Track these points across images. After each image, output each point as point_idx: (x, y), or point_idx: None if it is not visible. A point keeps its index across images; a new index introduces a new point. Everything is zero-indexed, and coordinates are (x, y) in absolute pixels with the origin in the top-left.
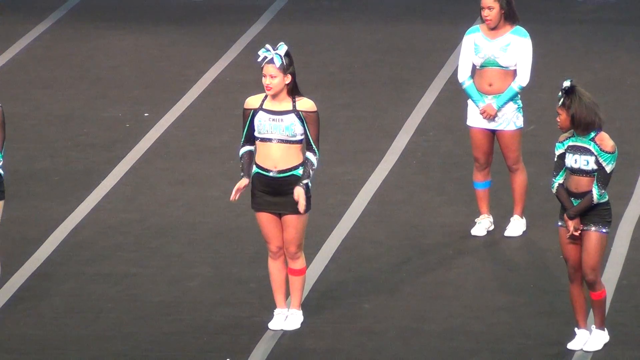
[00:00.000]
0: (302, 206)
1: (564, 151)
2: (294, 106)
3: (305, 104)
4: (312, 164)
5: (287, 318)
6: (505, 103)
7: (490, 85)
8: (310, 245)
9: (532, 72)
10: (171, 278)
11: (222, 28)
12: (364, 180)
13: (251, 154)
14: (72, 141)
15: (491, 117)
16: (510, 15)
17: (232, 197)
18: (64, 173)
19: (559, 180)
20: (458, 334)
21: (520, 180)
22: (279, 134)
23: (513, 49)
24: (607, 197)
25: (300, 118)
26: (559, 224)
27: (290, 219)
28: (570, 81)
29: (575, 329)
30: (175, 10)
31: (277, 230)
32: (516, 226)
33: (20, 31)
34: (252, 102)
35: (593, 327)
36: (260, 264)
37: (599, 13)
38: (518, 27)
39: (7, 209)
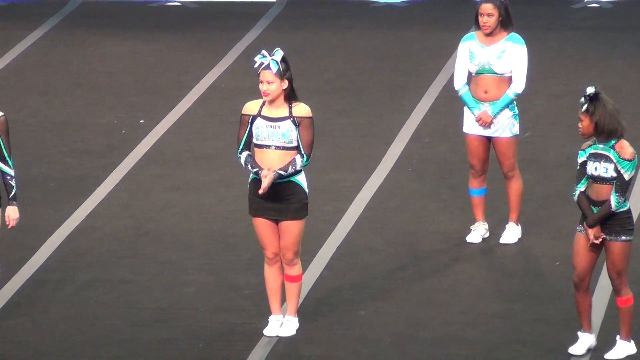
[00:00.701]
0: (262, 189)
1: (586, 159)
2: (290, 112)
3: (301, 110)
4: (295, 164)
5: (282, 324)
6: (501, 110)
7: (485, 92)
8: (305, 251)
9: (527, 79)
10: (167, 284)
11: (218, 34)
12: (360, 186)
13: (252, 156)
14: (68, 147)
15: (487, 125)
16: (506, 22)
17: (261, 190)
18: (60, 179)
19: (580, 188)
20: (453, 341)
21: (515, 187)
22: (276, 141)
23: (508, 56)
24: (627, 205)
25: (296, 125)
26: (578, 229)
27: (287, 225)
28: (595, 87)
29: (579, 332)
30: (171, 16)
31: (274, 236)
32: (511, 233)
33: (16, 37)
34: (251, 107)
35: (618, 337)
36: (255, 270)
37: (595, 20)
38: (513, 34)
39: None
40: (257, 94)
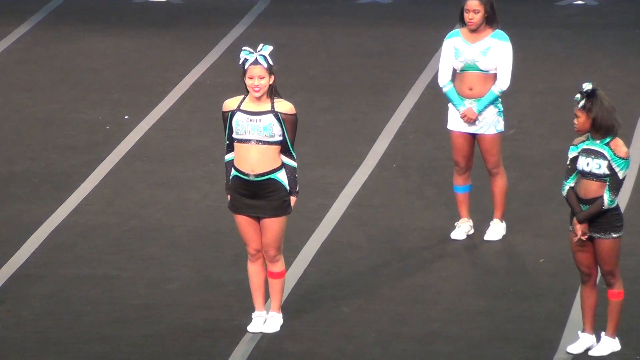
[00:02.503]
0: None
1: (577, 154)
2: (273, 107)
3: (285, 106)
4: (294, 170)
5: (266, 321)
6: (486, 107)
7: (470, 89)
8: (289, 248)
9: (512, 76)
10: (150, 281)
11: (202, 31)
12: (344, 183)
13: (231, 180)
14: (52, 143)
15: (472, 121)
16: (491, 19)
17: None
18: (43, 175)
19: (570, 183)
20: (437, 338)
21: (500, 184)
22: (257, 135)
23: (493, 53)
24: (616, 202)
25: (278, 119)
26: (570, 229)
27: (269, 222)
28: (592, 84)
29: (579, 332)
30: (156, 13)
31: (256, 232)
32: (496, 230)
33: (0, 33)
34: (230, 104)
35: (603, 333)
36: (239, 267)
37: (580, 17)
38: (498, 31)
39: None
40: (242, 91)
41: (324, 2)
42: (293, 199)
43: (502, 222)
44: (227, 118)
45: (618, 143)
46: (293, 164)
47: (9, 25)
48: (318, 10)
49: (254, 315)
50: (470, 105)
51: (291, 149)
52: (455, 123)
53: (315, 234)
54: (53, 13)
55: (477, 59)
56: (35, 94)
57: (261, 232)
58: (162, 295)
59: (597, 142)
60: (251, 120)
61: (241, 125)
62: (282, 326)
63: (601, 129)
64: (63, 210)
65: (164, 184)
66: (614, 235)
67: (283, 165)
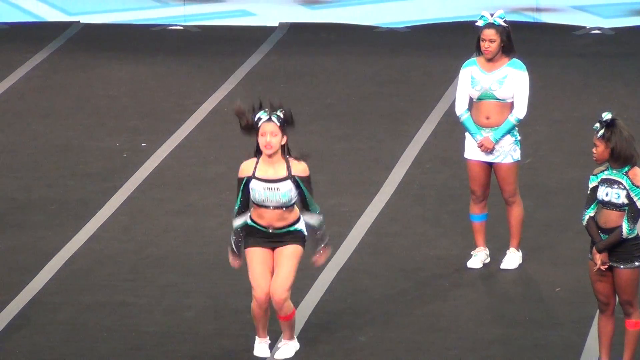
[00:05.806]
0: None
1: (597, 184)
2: (289, 171)
3: (299, 167)
4: (320, 227)
5: (280, 348)
6: (503, 136)
7: (487, 118)
8: (306, 276)
9: (529, 105)
10: (167, 308)
11: (219, 59)
12: (361, 211)
13: (246, 227)
14: (69, 171)
15: (489, 150)
16: (508, 48)
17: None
18: (60, 202)
19: (590, 213)
20: None
21: (516, 213)
22: (275, 202)
23: (510, 82)
24: (636, 231)
25: (295, 182)
26: (590, 258)
27: (285, 249)
28: (611, 113)
29: None
30: (173, 40)
31: (267, 268)
32: (512, 259)
33: (18, 60)
34: (246, 168)
35: None
36: None
37: (597, 46)
38: (515, 60)
39: (4, 238)
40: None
41: (341, 30)
42: (326, 251)
43: (518, 251)
44: (241, 183)
45: (636, 172)
46: (315, 221)
47: (27, 53)
48: (335, 39)
49: (255, 344)
50: (487, 134)
51: (313, 206)
52: (472, 152)
53: (332, 262)
54: (70, 40)
55: (493, 88)
56: (53, 121)
57: (273, 269)
58: (179, 322)
59: (616, 171)
60: (269, 189)
61: (259, 194)
62: (298, 355)
63: (620, 158)
64: (80, 237)
65: (181, 211)
66: (633, 265)
67: (305, 223)
